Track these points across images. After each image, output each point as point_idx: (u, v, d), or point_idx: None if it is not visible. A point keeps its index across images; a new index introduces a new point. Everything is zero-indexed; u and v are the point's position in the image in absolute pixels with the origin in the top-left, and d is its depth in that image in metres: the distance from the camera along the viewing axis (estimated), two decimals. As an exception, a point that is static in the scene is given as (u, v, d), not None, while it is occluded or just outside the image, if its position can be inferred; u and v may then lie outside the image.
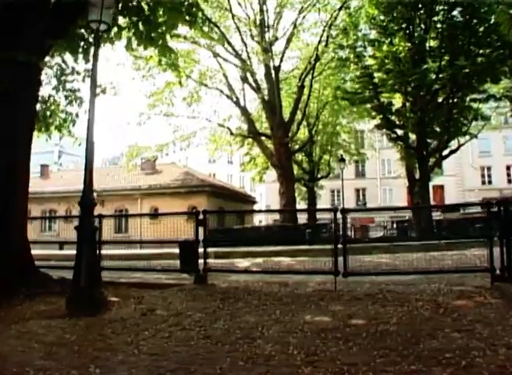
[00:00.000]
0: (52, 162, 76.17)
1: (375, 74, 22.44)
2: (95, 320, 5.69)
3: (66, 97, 12.93)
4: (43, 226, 28.05)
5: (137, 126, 27.38)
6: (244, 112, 27.81)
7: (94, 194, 6.93)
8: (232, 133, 29.27)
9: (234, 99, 27.63)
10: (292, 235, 22.28)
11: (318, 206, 36.39)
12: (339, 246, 7.62)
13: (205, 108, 47.91)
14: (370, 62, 22.75)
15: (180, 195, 29.00)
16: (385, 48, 21.42)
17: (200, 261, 8.36)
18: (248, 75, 26.85)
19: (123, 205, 30.80)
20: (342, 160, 30.53)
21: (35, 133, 13.23)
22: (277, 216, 30.22)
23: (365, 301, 6.13)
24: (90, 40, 10.70)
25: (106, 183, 32.06)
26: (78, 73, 12.89)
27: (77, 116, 13.25)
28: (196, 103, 27.82)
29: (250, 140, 30.12)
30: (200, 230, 8.12)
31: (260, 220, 44.25)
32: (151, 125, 36.14)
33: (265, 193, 51.54)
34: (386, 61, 21.41)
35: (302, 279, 8.15)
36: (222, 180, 47.34)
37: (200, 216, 8.15)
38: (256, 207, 42.11)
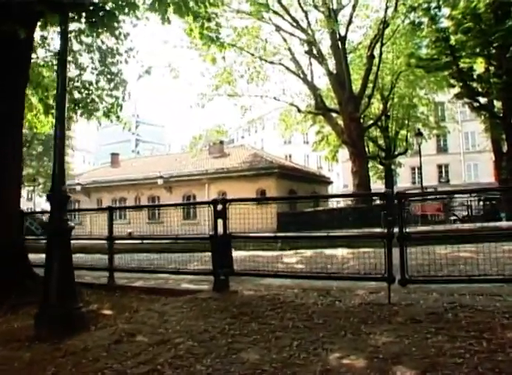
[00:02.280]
0: (130, 151, 78.31)
1: (452, 37, 20.04)
2: (49, 351, 4.30)
3: (110, 80, 12.25)
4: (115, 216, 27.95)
5: (200, 108, 26.29)
6: (312, 87, 26.01)
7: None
8: (300, 111, 27.83)
9: (301, 76, 25.91)
10: (365, 218, 20.61)
11: (398, 185, 34.25)
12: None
13: (272, 87, 46.93)
14: (446, 23, 20.40)
15: (248, 178, 27.66)
16: (462, 4, 18.99)
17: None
18: (314, 49, 24.95)
19: (191, 190, 30.02)
20: (419, 134, 27.83)
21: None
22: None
23: (425, 327, 4.18)
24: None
25: (173, 169, 31.53)
26: (120, 54, 12.12)
27: (123, 99, 12.61)
28: (262, 81, 26.48)
29: (321, 117, 28.34)
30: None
31: (338, 201, 42.39)
32: (219, 108, 35.35)
33: (342, 172, 49.70)
34: (464, 20, 18.93)
35: (351, 284, 6.34)
36: (299, 162, 45.79)
37: (219, 207, 6.47)
38: (331, 188, 40.08)
